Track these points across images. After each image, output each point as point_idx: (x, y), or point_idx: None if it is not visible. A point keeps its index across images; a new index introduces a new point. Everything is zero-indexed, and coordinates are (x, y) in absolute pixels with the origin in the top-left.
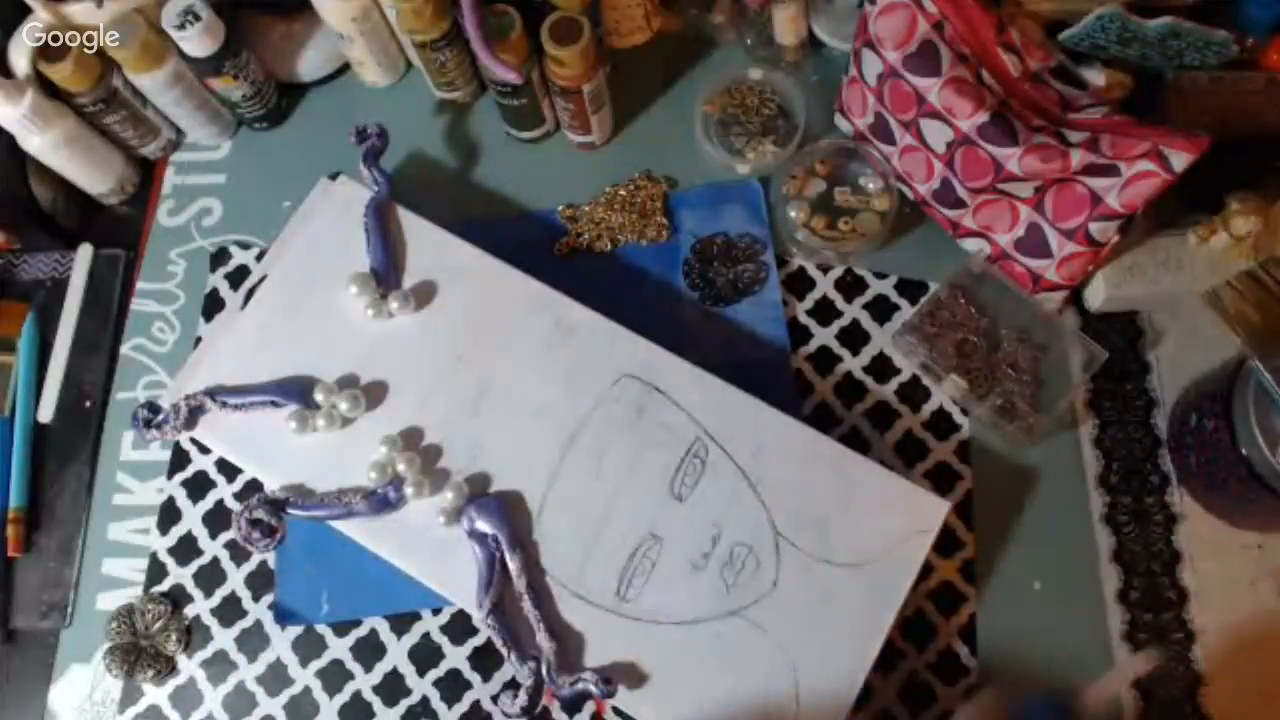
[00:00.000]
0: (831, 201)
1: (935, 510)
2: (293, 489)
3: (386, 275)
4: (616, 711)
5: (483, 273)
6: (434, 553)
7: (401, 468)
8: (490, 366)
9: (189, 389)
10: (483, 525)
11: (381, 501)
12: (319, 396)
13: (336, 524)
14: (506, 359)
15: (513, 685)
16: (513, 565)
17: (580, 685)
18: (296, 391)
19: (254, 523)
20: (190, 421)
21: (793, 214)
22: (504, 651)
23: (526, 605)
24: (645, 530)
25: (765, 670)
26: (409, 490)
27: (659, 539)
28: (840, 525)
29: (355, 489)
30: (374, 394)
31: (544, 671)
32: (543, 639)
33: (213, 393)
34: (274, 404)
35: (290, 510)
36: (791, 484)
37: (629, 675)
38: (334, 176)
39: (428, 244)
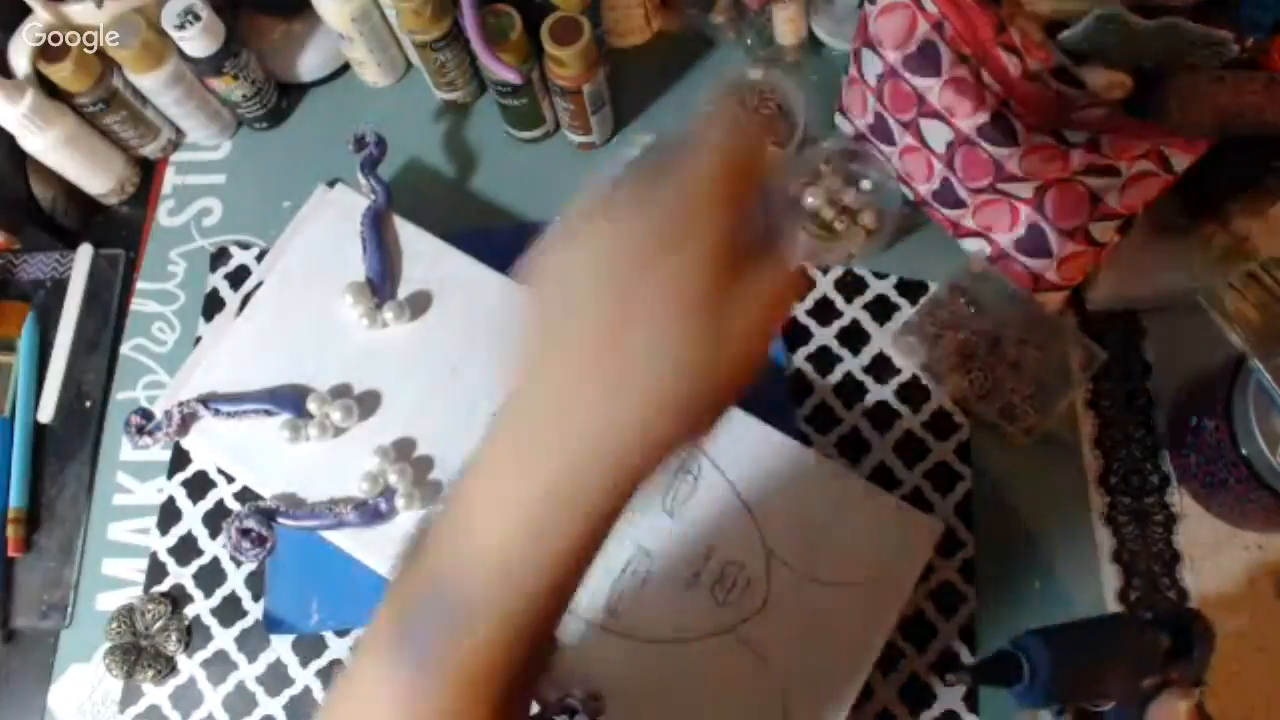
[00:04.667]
0: (832, 202)
1: (927, 532)
2: (284, 498)
3: (382, 285)
4: None
5: (478, 283)
6: None
7: (393, 479)
8: (484, 377)
9: (182, 395)
10: None
11: (373, 513)
12: (312, 406)
13: (327, 534)
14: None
15: None
16: None
17: (568, 701)
18: (289, 400)
19: (244, 532)
20: (183, 429)
21: (793, 215)
22: None
23: None
24: (635, 545)
25: (754, 689)
26: (400, 502)
27: (649, 555)
28: (832, 545)
29: (346, 499)
30: (367, 404)
31: None
32: None
33: (206, 400)
34: (267, 412)
35: (280, 520)
36: (784, 502)
37: (617, 692)
38: (331, 184)
39: (424, 254)
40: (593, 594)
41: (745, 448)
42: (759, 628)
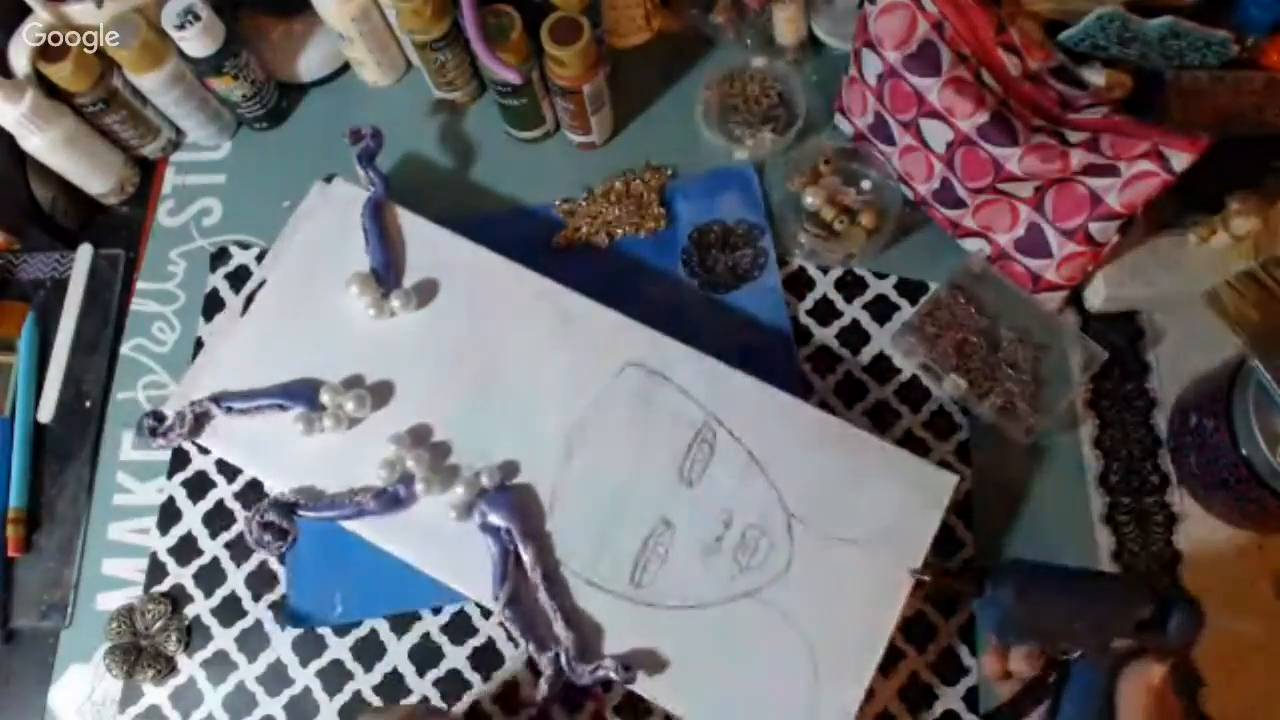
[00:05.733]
0: (832, 202)
1: (944, 484)
2: (303, 491)
3: (387, 274)
4: (617, 710)
5: (483, 268)
6: (447, 548)
7: (411, 465)
8: (495, 361)
9: (193, 396)
10: (495, 519)
11: (392, 499)
12: (325, 398)
13: (348, 524)
14: (511, 353)
15: (533, 672)
16: (526, 557)
17: (600, 673)
18: (302, 394)
19: (265, 525)
20: (196, 428)
21: (793, 215)
22: (522, 642)
23: (542, 596)
24: (657, 516)
25: (782, 649)
26: (420, 487)
27: (670, 525)
28: (851, 503)
29: (366, 488)
30: (380, 393)
31: (563, 660)
32: (560, 628)
33: (218, 398)
34: (280, 407)
35: (301, 512)
36: (800, 464)
37: (647, 661)
38: (329, 179)
39: (427, 242)
40: (617, 567)
41: (758, 413)
42: (783, 590)
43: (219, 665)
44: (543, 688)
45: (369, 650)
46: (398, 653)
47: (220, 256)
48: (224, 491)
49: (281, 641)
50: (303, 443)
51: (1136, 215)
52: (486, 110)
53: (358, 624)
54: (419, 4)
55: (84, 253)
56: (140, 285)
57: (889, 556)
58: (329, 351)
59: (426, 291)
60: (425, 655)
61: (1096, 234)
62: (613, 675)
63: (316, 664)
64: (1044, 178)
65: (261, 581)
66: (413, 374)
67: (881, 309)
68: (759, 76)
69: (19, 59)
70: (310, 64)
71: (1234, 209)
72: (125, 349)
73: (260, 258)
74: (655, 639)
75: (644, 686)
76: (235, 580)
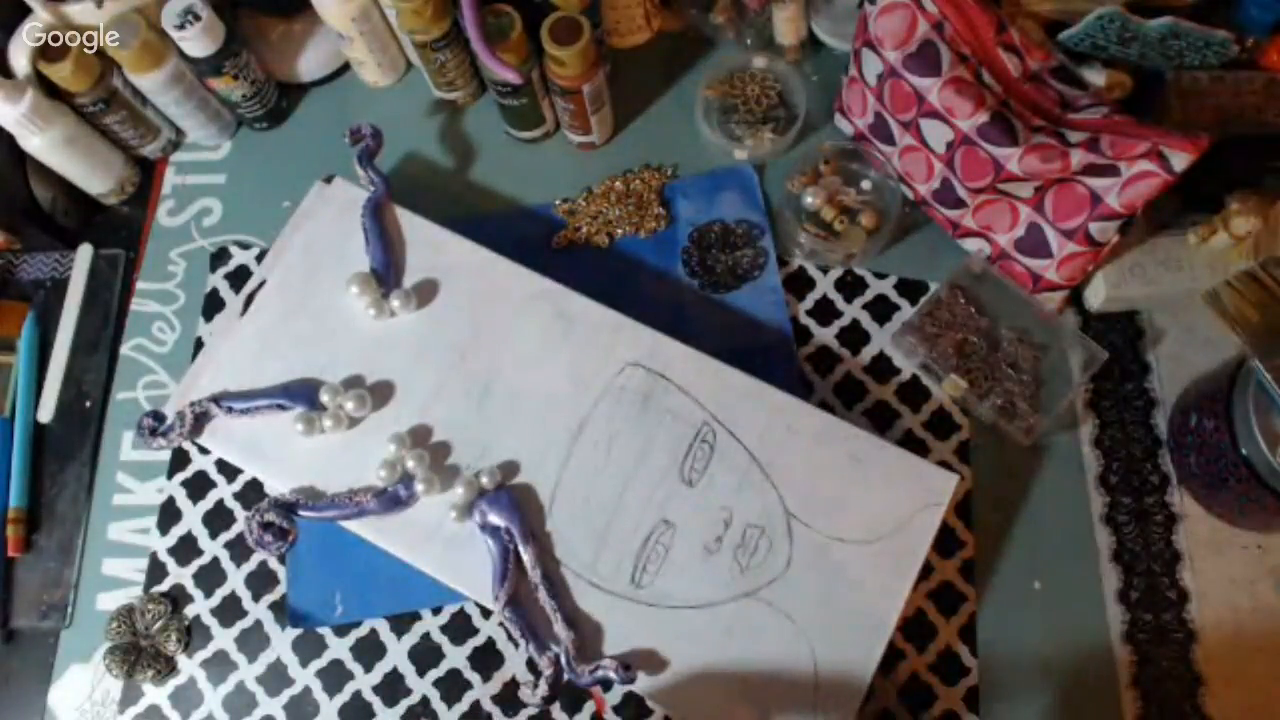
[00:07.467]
0: (832, 202)
1: (945, 483)
2: (303, 491)
3: (387, 274)
4: (617, 710)
5: (483, 268)
6: (447, 548)
7: (411, 465)
8: (495, 361)
9: (193, 396)
10: (495, 519)
11: (393, 499)
12: (325, 398)
13: (348, 524)
14: (511, 353)
15: (533, 672)
16: (526, 557)
17: (600, 673)
18: (302, 394)
19: (266, 525)
20: (196, 428)
21: (793, 215)
22: (522, 642)
23: (542, 596)
24: (657, 516)
25: (782, 650)
26: (420, 487)
27: (671, 524)
28: (851, 503)
29: (366, 488)
30: (380, 393)
31: (563, 660)
32: (560, 629)
33: (218, 399)
34: (280, 407)
35: (301, 512)
36: (801, 464)
37: (647, 661)
38: (329, 179)
39: (427, 242)
40: (617, 567)
41: (758, 413)
42: (783, 589)
43: (219, 665)
44: (542, 688)
45: (369, 650)
46: (398, 653)
47: (220, 256)
48: (224, 491)
49: (281, 641)
50: (303, 443)
51: (1136, 215)
52: (486, 110)
53: (358, 624)
54: (419, 4)
55: (84, 253)
56: (140, 285)
57: (889, 556)
58: (329, 351)
59: (426, 291)
60: (425, 655)
61: (1096, 234)
62: (613, 675)
63: (316, 664)
64: (1044, 178)
65: (261, 581)
66: (413, 374)
67: (881, 309)
68: (759, 76)
69: (19, 59)
70: (310, 64)
71: (1234, 209)
72: (125, 349)
73: (260, 258)
74: (655, 639)
75: (644, 686)
76: (235, 580)
